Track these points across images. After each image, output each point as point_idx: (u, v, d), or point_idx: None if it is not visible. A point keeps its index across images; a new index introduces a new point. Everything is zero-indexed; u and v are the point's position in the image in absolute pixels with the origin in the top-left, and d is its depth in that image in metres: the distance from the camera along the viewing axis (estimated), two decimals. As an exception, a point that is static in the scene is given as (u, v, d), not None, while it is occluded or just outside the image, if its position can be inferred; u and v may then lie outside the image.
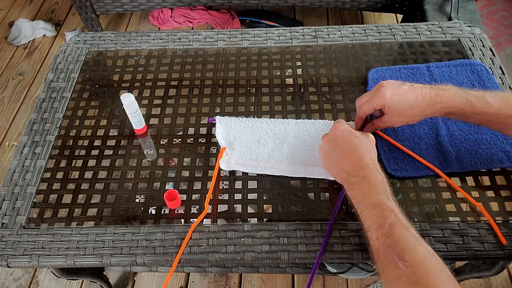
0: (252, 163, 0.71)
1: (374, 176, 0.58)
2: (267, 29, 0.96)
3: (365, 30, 0.93)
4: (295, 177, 0.71)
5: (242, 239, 0.64)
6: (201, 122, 0.80)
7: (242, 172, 0.72)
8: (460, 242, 0.62)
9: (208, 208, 0.66)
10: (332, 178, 0.69)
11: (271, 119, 0.77)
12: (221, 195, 0.70)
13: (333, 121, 0.76)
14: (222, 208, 0.68)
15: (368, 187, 0.57)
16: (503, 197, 0.68)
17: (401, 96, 0.63)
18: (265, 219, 0.67)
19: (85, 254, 0.63)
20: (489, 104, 0.62)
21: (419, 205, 0.67)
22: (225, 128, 0.76)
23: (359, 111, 0.69)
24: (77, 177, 0.73)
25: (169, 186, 0.72)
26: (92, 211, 0.69)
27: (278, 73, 0.87)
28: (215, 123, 0.77)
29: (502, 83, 0.81)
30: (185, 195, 0.70)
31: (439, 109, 0.63)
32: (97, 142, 0.77)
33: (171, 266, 0.62)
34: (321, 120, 0.77)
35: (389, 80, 0.65)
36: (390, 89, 0.64)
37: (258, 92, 0.84)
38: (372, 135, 0.65)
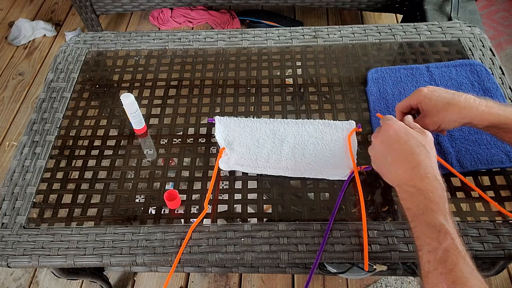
0: (251, 163, 0.71)
1: (434, 189, 0.52)
2: (267, 29, 0.96)
3: (365, 30, 0.93)
4: (295, 177, 0.71)
5: (242, 239, 0.64)
6: (201, 122, 0.80)
7: (242, 172, 0.72)
8: (460, 242, 0.62)
9: (207, 208, 0.66)
10: (331, 178, 0.70)
11: (270, 119, 0.77)
12: (221, 195, 0.70)
13: (330, 121, 0.76)
14: (222, 208, 0.68)
15: (425, 202, 0.51)
16: (503, 197, 0.68)
17: (438, 93, 0.59)
18: (265, 219, 0.67)
19: (85, 254, 0.63)
20: None
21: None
22: (225, 128, 0.76)
23: (396, 111, 0.66)
24: (77, 177, 0.73)
25: (169, 186, 0.72)
26: (92, 211, 0.69)
27: (278, 73, 0.87)
28: (214, 123, 0.77)
29: (502, 83, 0.81)
30: (185, 195, 0.70)
31: (482, 114, 0.58)
32: (97, 142, 0.77)
33: (171, 266, 0.62)
34: (320, 120, 0.77)
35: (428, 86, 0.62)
36: (428, 87, 0.61)
37: (258, 92, 0.84)
38: (430, 133, 0.57)
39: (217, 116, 0.77)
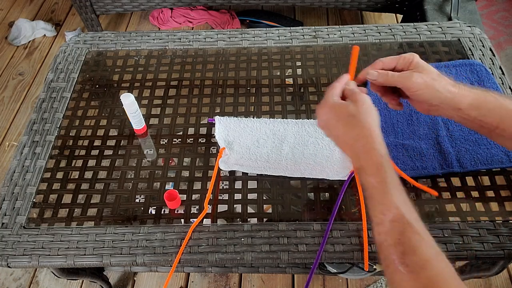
0: (251, 163, 0.71)
1: (377, 157, 0.50)
2: (267, 29, 0.96)
3: (365, 30, 0.93)
4: (295, 177, 0.71)
5: (242, 239, 0.64)
6: (201, 122, 0.80)
7: (242, 172, 0.72)
8: (460, 242, 0.62)
9: (207, 208, 0.66)
10: (331, 178, 0.70)
11: (270, 119, 0.77)
12: (221, 195, 0.70)
13: None
14: (222, 208, 0.68)
15: (372, 169, 0.49)
16: (503, 197, 0.68)
17: (435, 89, 0.54)
18: (265, 219, 0.67)
19: (85, 254, 0.63)
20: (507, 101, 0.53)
21: (419, 205, 0.67)
22: (224, 128, 0.76)
23: (377, 62, 0.57)
24: (77, 177, 0.73)
25: (169, 186, 0.72)
26: (92, 211, 0.69)
27: (278, 73, 0.87)
28: (214, 123, 0.77)
29: (502, 83, 0.81)
30: (185, 195, 0.70)
31: (464, 92, 0.54)
32: (97, 142, 0.77)
33: (171, 266, 0.62)
34: None
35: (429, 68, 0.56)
36: (427, 79, 0.55)
37: (258, 92, 0.84)
38: (365, 97, 0.54)
39: (217, 116, 0.77)
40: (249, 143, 0.74)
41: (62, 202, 0.70)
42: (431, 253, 0.43)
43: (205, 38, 0.94)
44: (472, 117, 0.55)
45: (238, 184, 0.71)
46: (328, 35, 0.93)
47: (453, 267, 0.42)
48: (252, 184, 0.71)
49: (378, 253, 0.48)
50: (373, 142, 0.51)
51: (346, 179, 0.69)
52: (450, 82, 0.55)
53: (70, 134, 0.79)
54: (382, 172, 0.49)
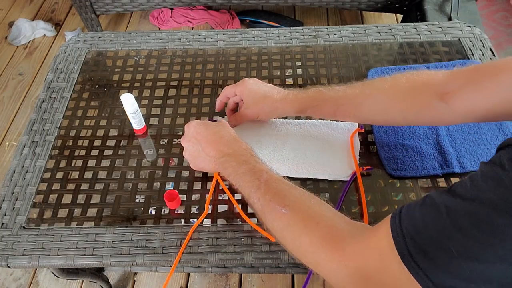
0: None
1: (238, 148, 0.62)
2: (267, 29, 0.96)
3: (365, 30, 0.93)
4: (296, 177, 0.70)
5: (242, 239, 0.64)
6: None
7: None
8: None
9: (208, 209, 0.66)
10: (333, 179, 0.69)
11: (272, 119, 0.77)
12: (221, 195, 0.69)
13: (333, 122, 0.76)
14: (222, 208, 0.68)
15: (237, 159, 0.60)
16: (503, 197, 0.68)
17: (259, 85, 0.69)
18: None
19: (85, 254, 0.63)
20: (335, 89, 0.65)
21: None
22: None
23: (220, 96, 0.74)
24: (77, 177, 0.73)
25: (169, 186, 0.71)
26: (92, 211, 0.69)
27: (278, 73, 0.87)
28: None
29: (502, 83, 0.80)
30: (185, 195, 0.70)
31: (291, 101, 0.67)
32: (97, 142, 0.77)
33: (171, 266, 0.62)
34: (322, 121, 0.77)
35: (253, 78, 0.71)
36: (253, 79, 0.70)
37: (258, 92, 0.84)
38: (222, 120, 0.68)
39: (218, 117, 0.77)
40: (251, 144, 0.73)
41: (62, 202, 0.70)
42: (299, 193, 0.54)
43: (205, 38, 0.94)
44: (307, 114, 0.70)
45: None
46: (328, 35, 0.93)
47: (319, 198, 0.53)
48: (252, 184, 0.71)
49: (261, 217, 0.55)
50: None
51: (347, 180, 0.69)
52: (277, 98, 0.68)
53: (70, 134, 0.79)
54: (243, 150, 0.62)
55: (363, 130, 0.75)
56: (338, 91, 0.65)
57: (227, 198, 0.69)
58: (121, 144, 0.77)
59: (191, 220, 0.67)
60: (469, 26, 0.92)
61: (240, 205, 0.67)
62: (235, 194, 0.69)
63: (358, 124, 0.75)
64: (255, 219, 0.65)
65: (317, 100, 0.66)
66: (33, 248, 0.64)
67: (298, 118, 0.79)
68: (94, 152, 0.76)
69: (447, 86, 0.57)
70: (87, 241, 0.65)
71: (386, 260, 0.40)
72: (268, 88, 0.69)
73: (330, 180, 0.70)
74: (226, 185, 0.70)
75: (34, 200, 0.70)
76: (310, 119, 0.77)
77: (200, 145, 0.65)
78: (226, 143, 0.63)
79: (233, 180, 0.60)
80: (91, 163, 0.74)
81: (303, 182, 0.70)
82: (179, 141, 0.77)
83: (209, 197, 0.68)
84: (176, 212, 0.68)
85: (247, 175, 0.58)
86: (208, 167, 0.66)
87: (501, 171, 0.36)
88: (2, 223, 0.67)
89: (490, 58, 0.85)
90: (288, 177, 0.70)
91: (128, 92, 0.78)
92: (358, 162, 0.70)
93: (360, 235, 0.45)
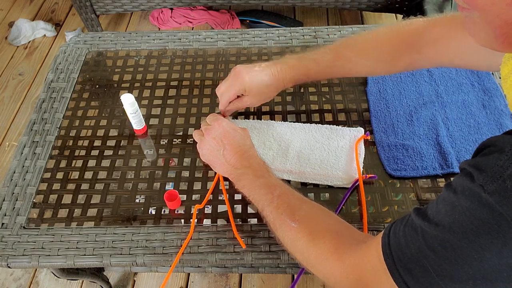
0: None
1: (257, 163, 0.64)
2: (267, 29, 0.96)
3: (365, 30, 0.93)
4: (298, 181, 0.70)
5: (242, 239, 0.64)
6: (201, 122, 0.79)
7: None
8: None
9: (206, 200, 0.66)
10: (335, 185, 0.69)
11: (278, 122, 0.77)
12: (221, 195, 0.69)
13: (338, 127, 0.75)
14: (222, 208, 0.68)
15: (254, 173, 0.63)
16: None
17: (257, 78, 0.68)
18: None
19: (85, 254, 0.63)
20: (325, 60, 0.68)
21: (419, 205, 0.66)
22: None
23: (222, 99, 0.72)
24: (77, 177, 0.73)
25: (169, 186, 0.71)
26: (92, 212, 0.69)
27: (278, 73, 0.87)
28: None
29: (502, 83, 0.81)
30: (185, 195, 0.70)
31: (288, 82, 0.69)
32: (97, 143, 0.77)
33: (171, 266, 0.62)
34: (328, 125, 0.76)
35: (240, 65, 0.69)
36: (247, 72, 0.68)
37: (258, 92, 0.84)
38: (247, 130, 0.70)
39: (237, 120, 0.77)
40: (255, 145, 0.73)
41: (62, 203, 0.70)
42: (309, 207, 0.57)
43: (205, 38, 0.94)
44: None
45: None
46: (328, 35, 0.93)
47: (329, 211, 0.56)
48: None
49: (273, 229, 0.57)
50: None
51: (349, 187, 0.69)
52: (276, 81, 0.69)
53: (70, 134, 0.79)
54: (261, 166, 0.65)
55: (369, 137, 0.74)
56: (327, 62, 0.69)
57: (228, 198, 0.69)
58: (121, 144, 0.77)
59: (191, 220, 0.67)
60: (469, 26, 0.92)
61: (239, 206, 0.67)
62: (235, 195, 0.69)
63: (364, 131, 0.74)
64: (241, 220, 0.65)
65: (310, 75, 0.70)
66: (33, 248, 0.64)
67: (297, 118, 0.78)
68: (94, 152, 0.76)
69: (423, 40, 0.63)
70: (87, 241, 0.65)
71: (379, 275, 0.42)
72: (265, 77, 0.68)
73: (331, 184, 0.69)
74: (225, 185, 0.70)
75: (34, 200, 0.70)
76: (316, 123, 0.77)
77: (223, 148, 0.66)
78: (248, 157, 0.65)
79: (247, 192, 0.63)
80: (91, 163, 0.74)
81: (303, 182, 0.70)
82: (179, 141, 0.77)
83: (207, 196, 0.68)
84: (176, 212, 0.68)
85: (262, 189, 0.60)
86: (222, 170, 0.67)
87: (453, 196, 0.38)
88: (2, 223, 0.67)
89: (490, 58, 0.85)
90: (289, 181, 0.70)
91: (128, 92, 0.78)
92: (362, 170, 0.69)
93: (360, 248, 0.47)
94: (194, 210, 0.66)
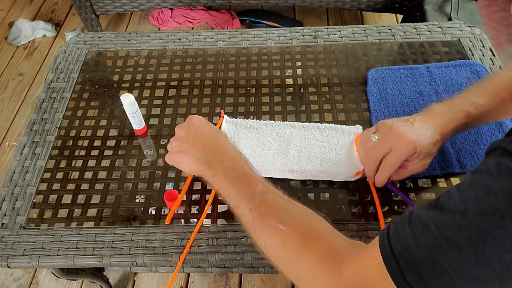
0: (256, 166, 0.70)
1: (233, 151, 0.59)
2: (267, 29, 0.96)
3: (365, 30, 0.93)
4: (299, 179, 0.70)
5: (242, 239, 0.64)
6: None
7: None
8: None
9: (208, 209, 0.66)
10: (338, 180, 0.69)
11: (277, 121, 0.77)
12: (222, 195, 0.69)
13: (337, 125, 0.75)
14: (222, 208, 0.68)
15: (230, 162, 0.57)
16: (503, 197, 0.68)
17: (423, 135, 0.58)
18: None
19: (85, 255, 0.64)
20: (482, 106, 0.59)
21: (418, 206, 0.66)
22: (230, 129, 0.75)
23: (385, 170, 0.61)
24: (77, 177, 0.73)
25: (169, 186, 0.71)
26: (92, 212, 0.69)
27: (278, 73, 0.87)
28: (220, 118, 0.76)
29: (502, 83, 0.81)
30: (185, 195, 0.70)
31: (448, 134, 0.60)
32: (97, 143, 0.77)
33: (171, 266, 0.62)
34: (327, 124, 0.76)
35: (388, 121, 0.61)
36: (408, 129, 0.58)
37: (258, 92, 0.84)
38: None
39: (225, 116, 0.76)
40: (255, 145, 0.73)
41: (62, 203, 0.70)
42: (297, 208, 0.52)
43: (205, 38, 0.94)
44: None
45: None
46: (328, 35, 0.93)
47: (315, 213, 0.51)
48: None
49: (251, 230, 0.51)
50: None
51: (352, 180, 0.68)
52: (433, 135, 0.59)
53: (70, 134, 0.79)
54: (239, 160, 0.59)
55: None
56: (485, 107, 0.59)
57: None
58: (121, 144, 0.77)
59: (191, 220, 0.67)
60: (469, 27, 0.92)
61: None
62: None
63: (363, 129, 0.74)
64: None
65: (467, 124, 0.60)
66: (33, 248, 0.64)
67: (297, 118, 0.78)
68: (94, 152, 0.76)
69: None
70: (87, 241, 0.65)
71: (378, 282, 0.39)
72: (429, 133, 0.58)
73: (330, 181, 0.69)
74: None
75: (34, 200, 0.70)
76: (315, 122, 0.77)
77: (192, 137, 0.60)
78: (222, 144, 0.60)
79: (218, 184, 0.55)
80: (91, 163, 0.74)
81: (303, 181, 0.70)
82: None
83: (211, 198, 0.68)
84: (176, 212, 0.68)
85: (240, 181, 0.54)
86: (190, 162, 0.59)
87: (489, 178, 0.34)
88: (2, 223, 0.67)
89: (490, 59, 0.85)
90: (291, 180, 0.70)
91: (128, 92, 0.78)
92: None
93: (356, 256, 0.43)
94: (206, 208, 0.66)
